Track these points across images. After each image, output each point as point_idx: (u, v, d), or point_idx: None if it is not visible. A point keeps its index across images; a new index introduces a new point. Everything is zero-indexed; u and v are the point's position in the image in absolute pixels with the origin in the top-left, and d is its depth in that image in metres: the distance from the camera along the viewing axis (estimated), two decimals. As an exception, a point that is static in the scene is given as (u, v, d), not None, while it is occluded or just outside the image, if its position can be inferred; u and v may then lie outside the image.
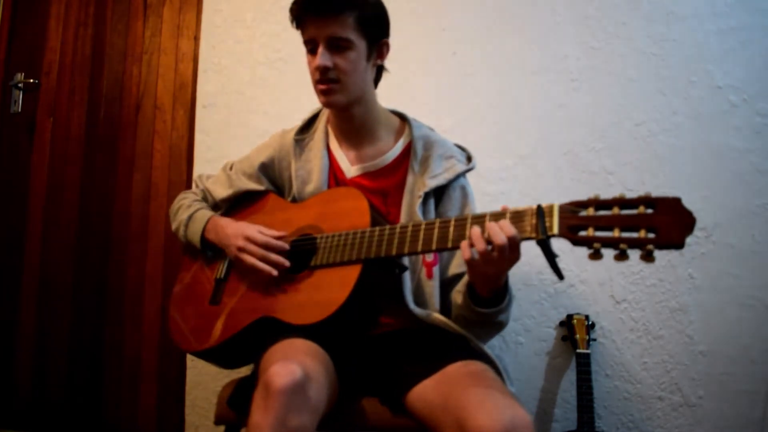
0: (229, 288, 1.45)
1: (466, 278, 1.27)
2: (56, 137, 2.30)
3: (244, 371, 1.47)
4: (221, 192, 1.57)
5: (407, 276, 1.36)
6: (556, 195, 1.79)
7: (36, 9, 2.38)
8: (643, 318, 1.87)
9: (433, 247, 1.18)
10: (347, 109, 1.43)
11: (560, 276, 1.06)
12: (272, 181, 1.57)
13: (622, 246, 0.93)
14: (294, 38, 1.42)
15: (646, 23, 1.96)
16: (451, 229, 1.16)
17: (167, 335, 1.67)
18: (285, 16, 1.41)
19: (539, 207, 1.05)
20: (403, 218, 1.40)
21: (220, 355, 1.45)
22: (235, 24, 2.21)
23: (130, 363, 2.15)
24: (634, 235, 0.93)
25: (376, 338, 1.39)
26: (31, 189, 2.29)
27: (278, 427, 1.01)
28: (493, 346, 1.79)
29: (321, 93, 1.39)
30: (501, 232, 1.06)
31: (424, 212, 1.39)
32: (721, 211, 1.87)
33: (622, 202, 0.97)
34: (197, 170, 2.15)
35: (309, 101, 1.53)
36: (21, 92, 2.35)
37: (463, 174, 1.45)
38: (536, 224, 1.04)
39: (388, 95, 1.55)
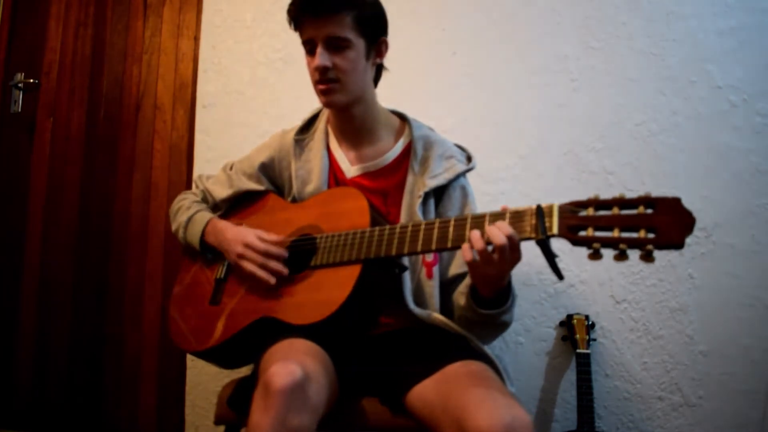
0: (229, 288, 1.45)
1: (468, 280, 1.27)
2: (56, 137, 2.30)
3: (244, 371, 1.47)
4: (221, 192, 1.57)
5: (407, 276, 1.36)
6: (556, 195, 1.78)
7: (36, 9, 2.38)
8: (643, 318, 1.87)
9: (433, 247, 1.18)
10: (347, 109, 1.43)
11: (560, 276, 1.06)
12: (272, 181, 1.57)
13: (622, 246, 0.93)
14: (294, 38, 1.42)
15: (646, 23, 1.96)
16: (451, 229, 1.16)
17: (167, 335, 1.67)
18: (285, 16, 1.40)
19: (539, 207, 1.05)
20: (403, 218, 1.40)
21: (220, 356, 1.45)
22: (235, 24, 2.21)
23: (130, 363, 2.15)
24: (634, 235, 0.93)
25: (376, 338, 1.39)
26: (31, 189, 2.29)
27: (278, 427, 1.01)
28: (493, 346, 1.79)
29: (321, 93, 1.39)
30: (500, 232, 1.06)
31: (424, 212, 1.39)
32: (721, 211, 1.87)
33: (622, 202, 0.97)
34: (197, 170, 2.15)
35: (309, 101, 1.53)
36: (21, 92, 2.35)
37: (463, 174, 1.45)
38: (536, 224, 1.04)
39: (388, 95, 1.55)
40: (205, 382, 2.07)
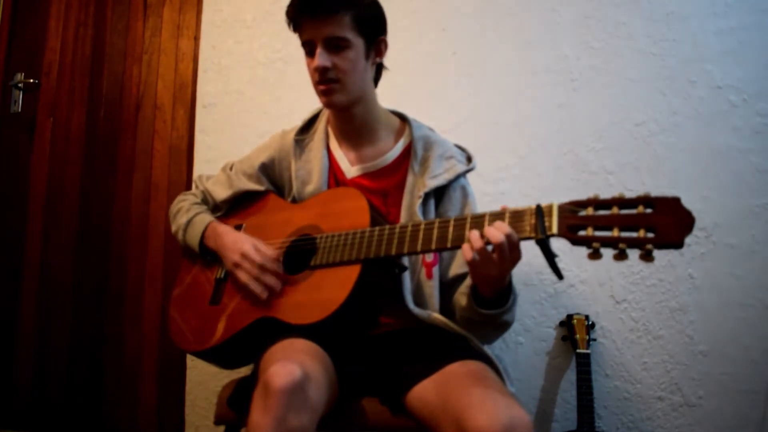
0: (229, 288, 1.45)
1: (469, 280, 1.27)
2: (56, 137, 2.31)
3: (244, 371, 1.47)
4: (221, 193, 1.57)
5: (407, 276, 1.36)
6: (556, 195, 1.78)
7: (36, 9, 2.38)
8: (643, 318, 1.87)
9: (433, 246, 1.18)
10: (348, 109, 1.43)
11: (560, 276, 1.06)
12: (272, 182, 1.57)
13: (622, 245, 0.93)
14: (294, 38, 1.42)
15: (646, 23, 1.96)
16: (451, 228, 1.16)
17: (167, 335, 1.67)
18: (285, 16, 1.41)
19: (538, 207, 1.05)
20: (403, 218, 1.40)
21: (220, 356, 1.45)
22: (235, 24, 2.21)
23: (130, 363, 2.15)
24: (634, 234, 0.93)
25: (376, 338, 1.39)
26: (31, 189, 2.29)
27: (277, 427, 1.01)
28: (493, 346, 1.79)
29: (321, 94, 1.39)
30: (498, 232, 1.06)
31: (424, 212, 1.39)
32: (721, 211, 1.87)
33: (621, 202, 0.97)
34: (197, 170, 2.15)
35: (309, 101, 1.53)
36: (21, 92, 2.35)
37: (463, 174, 1.45)
38: (535, 224, 1.04)
39: (388, 95, 1.55)
40: (205, 382, 2.07)
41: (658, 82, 1.94)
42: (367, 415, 1.29)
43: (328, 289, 1.26)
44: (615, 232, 0.94)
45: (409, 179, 1.42)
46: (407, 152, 1.47)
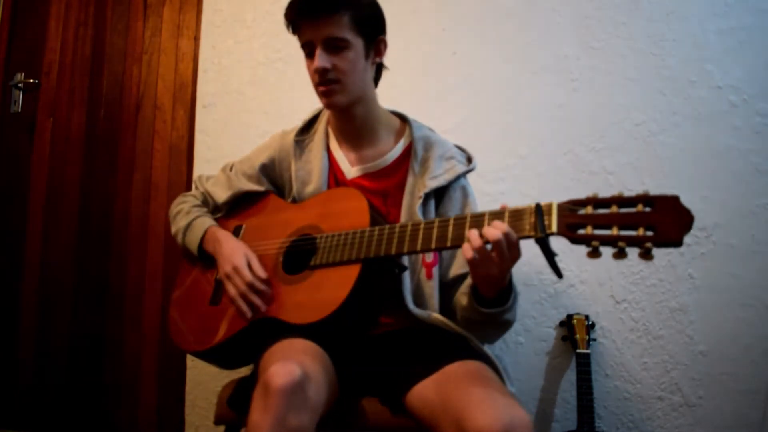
0: (229, 288, 1.45)
1: (469, 280, 1.27)
2: (56, 137, 2.31)
3: (244, 371, 1.47)
4: (221, 194, 1.57)
5: (407, 276, 1.36)
6: (556, 195, 1.77)
7: (36, 9, 2.38)
8: (643, 318, 1.87)
9: (432, 246, 1.18)
10: (348, 110, 1.43)
11: (559, 275, 1.06)
12: (273, 182, 1.57)
13: (621, 244, 0.93)
14: (294, 38, 1.42)
15: (646, 23, 1.96)
16: (450, 228, 1.16)
17: (167, 335, 1.67)
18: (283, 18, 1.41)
19: (538, 205, 1.05)
20: (403, 219, 1.40)
21: (220, 356, 1.45)
22: (235, 24, 2.21)
23: (130, 363, 2.15)
24: (633, 233, 0.93)
25: (376, 338, 1.39)
26: (31, 189, 2.29)
27: (277, 427, 1.01)
28: (493, 346, 1.79)
29: (322, 95, 1.39)
30: (496, 230, 1.06)
31: (425, 213, 1.39)
32: (721, 211, 1.87)
33: (621, 201, 0.97)
34: (197, 170, 2.16)
35: (309, 101, 1.53)
36: (21, 92, 2.35)
37: (463, 175, 1.45)
38: (535, 222, 1.04)
39: (388, 95, 1.55)
40: (205, 382, 2.07)
41: (658, 82, 1.94)
42: (367, 415, 1.29)
43: (328, 289, 1.27)
44: (614, 231, 0.94)
45: (410, 180, 1.42)
46: (407, 153, 1.47)
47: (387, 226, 1.26)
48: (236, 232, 1.52)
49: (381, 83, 1.50)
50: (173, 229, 1.58)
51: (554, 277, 1.06)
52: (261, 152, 1.58)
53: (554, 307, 1.90)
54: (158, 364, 2.14)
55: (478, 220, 1.12)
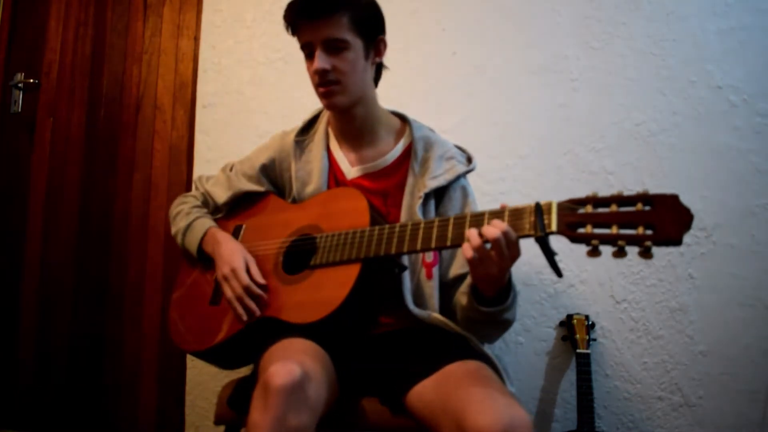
0: (229, 288, 1.45)
1: (469, 279, 1.27)
2: (56, 137, 2.31)
3: (244, 371, 1.47)
4: (221, 195, 1.57)
5: (407, 276, 1.36)
6: (556, 195, 1.77)
7: (36, 9, 2.38)
8: (643, 318, 1.86)
9: (432, 245, 1.18)
10: (349, 110, 1.43)
11: (559, 274, 1.05)
12: (273, 183, 1.57)
13: (621, 243, 0.93)
14: (294, 38, 1.42)
15: (646, 23, 1.96)
16: (450, 227, 1.16)
17: (167, 335, 1.67)
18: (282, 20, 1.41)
19: (537, 204, 1.05)
20: (403, 219, 1.40)
21: (220, 356, 1.46)
22: (235, 24, 2.21)
23: (130, 363, 2.15)
24: (632, 232, 0.93)
25: (376, 338, 1.39)
26: (31, 189, 2.29)
27: (277, 427, 1.01)
28: (493, 346, 1.79)
29: (322, 96, 1.39)
30: (494, 229, 1.06)
31: (425, 213, 1.39)
32: (721, 211, 1.87)
33: (620, 200, 0.97)
34: (197, 170, 2.15)
35: (309, 101, 1.53)
36: (21, 92, 2.35)
37: (463, 175, 1.45)
38: (535, 221, 1.04)
39: (388, 95, 1.55)
40: (205, 382, 2.07)
41: (658, 82, 1.94)
42: (367, 415, 1.29)
43: (328, 289, 1.27)
44: (614, 230, 0.94)
45: (410, 180, 1.42)
46: (407, 153, 1.47)
47: (387, 226, 1.26)
48: (236, 232, 1.52)
49: (381, 83, 1.50)
50: (173, 230, 1.58)
51: (554, 276, 1.06)
52: (261, 153, 1.58)
53: (554, 307, 1.90)
54: (158, 364, 2.13)
55: (477, 220, 1.12)
